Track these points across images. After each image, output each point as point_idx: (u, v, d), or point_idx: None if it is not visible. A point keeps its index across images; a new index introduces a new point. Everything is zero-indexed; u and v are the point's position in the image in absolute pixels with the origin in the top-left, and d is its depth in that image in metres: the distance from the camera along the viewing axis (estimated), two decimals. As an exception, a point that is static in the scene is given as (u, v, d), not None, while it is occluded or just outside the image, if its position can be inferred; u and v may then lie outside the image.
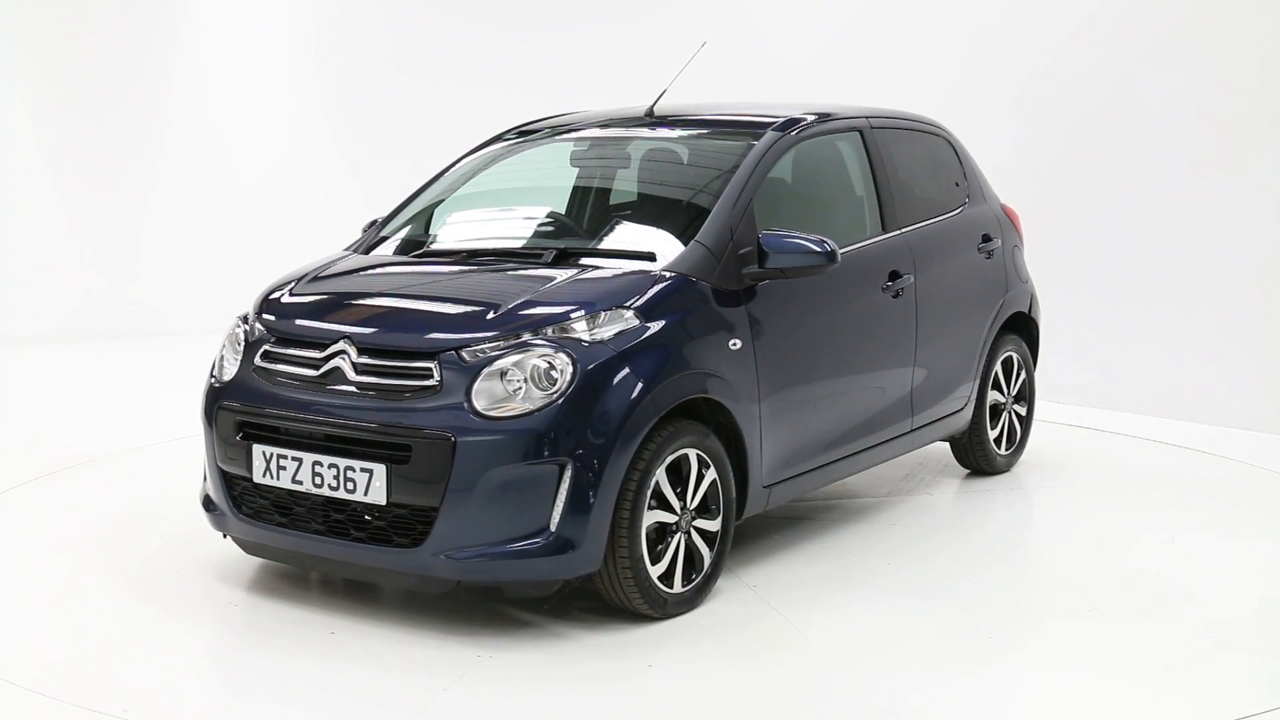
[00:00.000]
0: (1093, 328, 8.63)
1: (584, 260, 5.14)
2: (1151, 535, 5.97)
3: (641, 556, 4.65)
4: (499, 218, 5.83)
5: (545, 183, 6.02)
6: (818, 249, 5.14)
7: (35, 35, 11.21)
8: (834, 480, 5.82)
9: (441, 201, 5.88)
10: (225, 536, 5.13)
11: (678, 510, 4.79)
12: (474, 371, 4.54)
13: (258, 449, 4.83)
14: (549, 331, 4.63)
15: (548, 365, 4.54)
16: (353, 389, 4.69)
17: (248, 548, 5.04)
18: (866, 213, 5.98)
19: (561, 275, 4.96)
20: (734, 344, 5.01)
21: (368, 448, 4.59)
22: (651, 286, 4.87)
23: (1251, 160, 8.14)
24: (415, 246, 5.60)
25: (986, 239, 6.64)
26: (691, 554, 4.89)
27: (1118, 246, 8.73)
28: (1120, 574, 5.45)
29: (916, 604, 5.03)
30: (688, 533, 4.85)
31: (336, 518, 4.67)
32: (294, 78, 12.36)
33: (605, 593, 4.74)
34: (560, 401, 4.50)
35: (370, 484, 4.56)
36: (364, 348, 4.73)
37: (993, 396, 6.74)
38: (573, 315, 4.68)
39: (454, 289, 5.11)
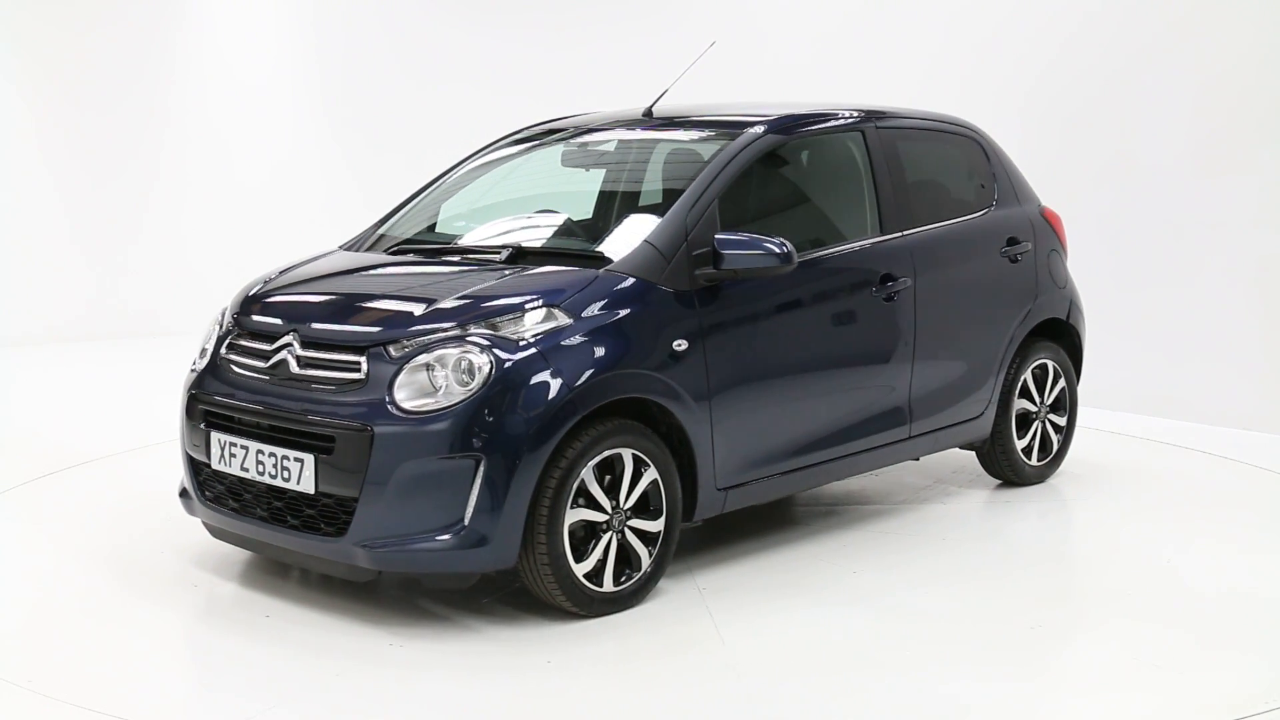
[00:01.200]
0: (1091, 327, 8.38)
1: (538, 258, 5.20)
2: (1147, 537, 5.87)
3: (563, 554, 4.69)
4: (478, 217, 5.93)
5: (533, 183, 6.09)
6: (771, 250, 5.08)
7: (35, 34, 11.25)
8: (811, 486, 5.74)
9: (431, 201, 6.02)
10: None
11: (608, 509, 4.81)
12: (398, 366, 4.66)
13: (214, 436, 5.05)
14: (473, 328, 4.70)
15: (467, 362, 4.62)
16: (296, 381, 4.86)
17: (213, 532, 5.26)
18: (862, 215, 5.86)
19: (505, 273, 5.04)
20: (679, 345, 5.00)
21: (300, 438, 4.76)
22: (587, 286, 4.90)
23: (1252, 160, 7.95)
24: (396, 243, 5.75)
25: (1013, 242, 6.43)
26: (628, 554, 4.90)
27: (1117, 246, 8.49)
28: (1113, 579, 5.36)
29: (856, 614, 4.94)
30: (621, 532, 4.86)
31: (276, 505, 4.85)
32: (294, 78, 12.47)
33: (530, 588, 4.80)
34: (476, 397, 4.57)
35: (301, 473, 4.72)
36: (306, 341, 4.91)
37: (1023, 405, 6.53)
38: (500, 313, 4.76)
39: (400, 286, 5.24)
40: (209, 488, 5.14)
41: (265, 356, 5.00)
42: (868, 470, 6.02)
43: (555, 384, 4.66)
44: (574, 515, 4.72)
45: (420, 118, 11.78)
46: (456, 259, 5.41)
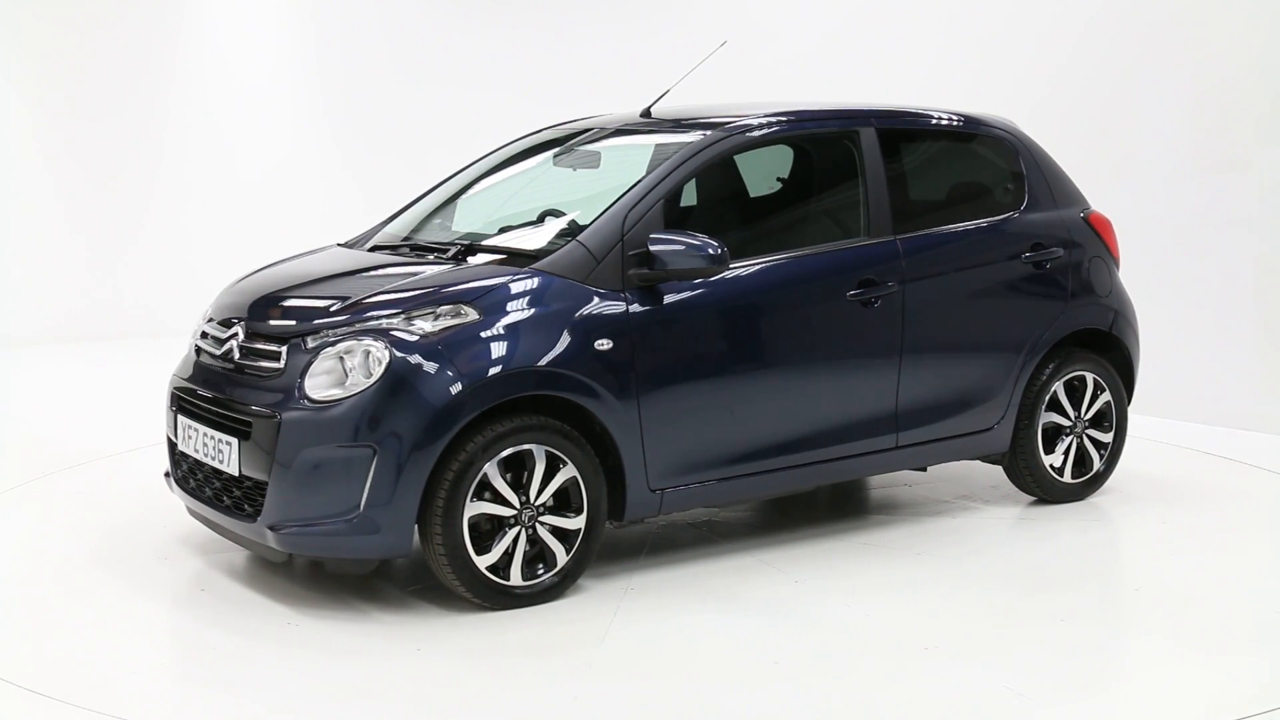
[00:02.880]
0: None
1: (483, 256, 5.31)
2: (1146, 553, 5.80)
3: (461, 546, 4.78)
4: (473, 216, 6.05)
5: (523, 183, 6.17)
6: (704, 251, 5.03)
7: (35, 35, 11.30)
8: (776, 491, 5.61)
9: (430, 201, 6.19)
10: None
11: (515, 504, 4.87)
12: (311, 357, 4.86)
13: (180, 419, 5.38)
14: (381, 322, 4.86)
15: (371, 354, 4.78)
16: (236, 369, 5.13)
17: (188, 510, 5.58)
18: (849, 217, 5.71)
19: (429, 270, 5.18)
20: (602, 344, 5.01)
21: (230, 423, 5.02)
22: (501, 283, 4.98)
23: (1251, 159, 7.63)
24: (377, 241, 5.95)
25: (1038, 247, 6.12)
26: (543, 550, 4.95)
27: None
28: (1089, 594, 5.23)
29: (765, 622, 4.83)
30: (532, 528, 4.91)
31: (216, 485, 5.13)
32: (294, 78, 12.49)
33: (437, 578, 4.92)
34: (373, 389, 4.72)
35: (230, 456, 4.99)
36: (248, 331, 5.17)
37: (1053, 419, 6.19)
38: (412, 307, 4.89)
39: (340, 281, 5.41)
40: (178, 467, 5.47)
41: (220, 344, 5.29)
42: (850, 478, 5.88)
43: (452, 378, 4.76)
44: (476, 508, 4.81)
45: (420, 118, 11.77)
46: (415, 257, 5.56)
